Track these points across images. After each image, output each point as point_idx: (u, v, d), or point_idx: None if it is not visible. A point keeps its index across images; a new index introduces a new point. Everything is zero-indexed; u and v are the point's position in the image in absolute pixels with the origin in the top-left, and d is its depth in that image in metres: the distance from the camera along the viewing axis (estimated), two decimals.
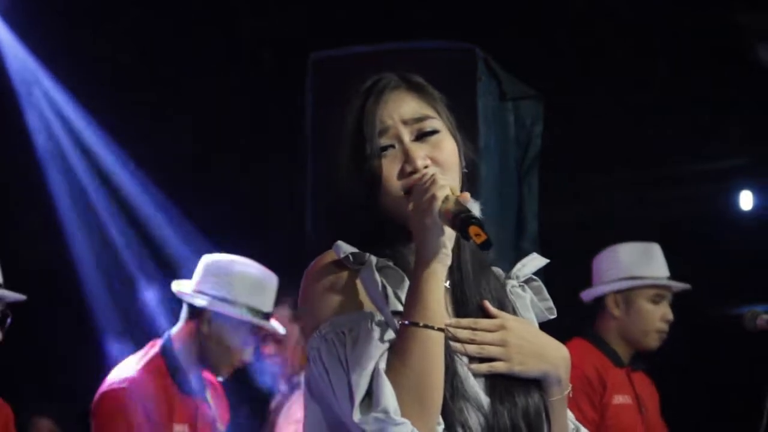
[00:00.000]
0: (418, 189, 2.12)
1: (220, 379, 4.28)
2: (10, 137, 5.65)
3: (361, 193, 2.19)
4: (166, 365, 4.17)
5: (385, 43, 4.95)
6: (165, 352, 4.18)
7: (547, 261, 2.35)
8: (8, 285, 3.88)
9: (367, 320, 2.09)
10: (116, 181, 5.77)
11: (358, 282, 2.14)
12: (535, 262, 2.38)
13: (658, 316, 4.73)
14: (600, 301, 4.79)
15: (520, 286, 2.38)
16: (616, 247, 4.80)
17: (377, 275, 2.13)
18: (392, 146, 2.20)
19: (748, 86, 6.33)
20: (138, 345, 4.48)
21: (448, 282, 2.23)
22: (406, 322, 2.07)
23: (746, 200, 7.04)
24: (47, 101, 5.58)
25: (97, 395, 4.10)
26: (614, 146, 6.51)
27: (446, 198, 2.09)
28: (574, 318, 4.78)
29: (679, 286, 4.78)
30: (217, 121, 5.81)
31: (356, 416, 2.00)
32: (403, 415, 2.01)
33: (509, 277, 2.38)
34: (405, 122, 2.22)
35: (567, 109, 5.84)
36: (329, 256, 2.17)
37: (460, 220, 2.06)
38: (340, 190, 2.22)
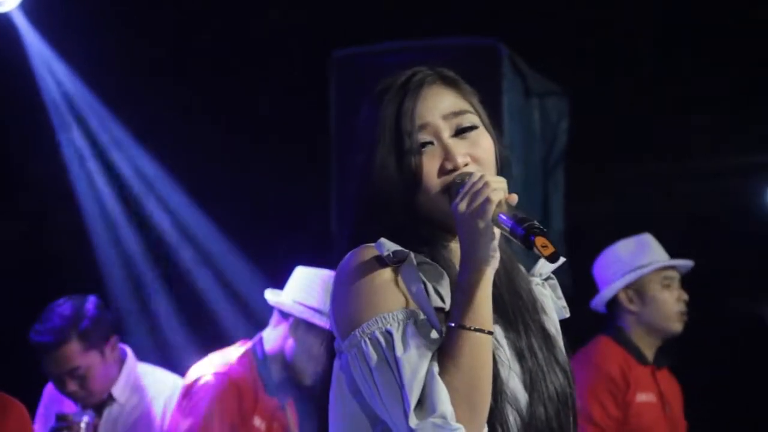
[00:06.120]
0: (469, 190, 2.08)
1: (307, 383, 4.34)
2: (36, 134, 5.67)
3: (398, 189, 2.15)
4: (255, 363, 4.27)
5: (409, 39, 4.94)
6: (255, 351, 4.29)
7: (565, 260, 2.33)
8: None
9: (412, 319, 2.05)
10: (143, 178, 5.77)
11: (399, 279, 2.10)
12: None
13: (674, 299, 4.70)
14: (613, 303, 4.75)
15: (541, 283, 2.36)
16: (610, 248, 4.77)
17: (419, 273, 2.10)
18: (431, 143, 2.16)
19: None
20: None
21: None
22: (458, 325, 2.04)
23: None
24: (69, 96, 5.60)
25: (192, 379, 4.19)
26: (642, 140, 6.47)
27: (499, 202, 2.06)
28: (598, 316, 4.77)
29: (683, 263, 4.74)
30: (239, 119, 5.80)
31: (412, 422, 1.97)
32: (455, 419, 1.99)
33: (532, 275, 2.35)
34: (444, 117, 2.18)
35: (593, 103, 5.81)
36: (366, 253, 2.11)
37: (524, 229, 2.02)
38: (375, 187, 2.16)
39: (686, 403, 4.83)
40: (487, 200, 2.05)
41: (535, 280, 2.34)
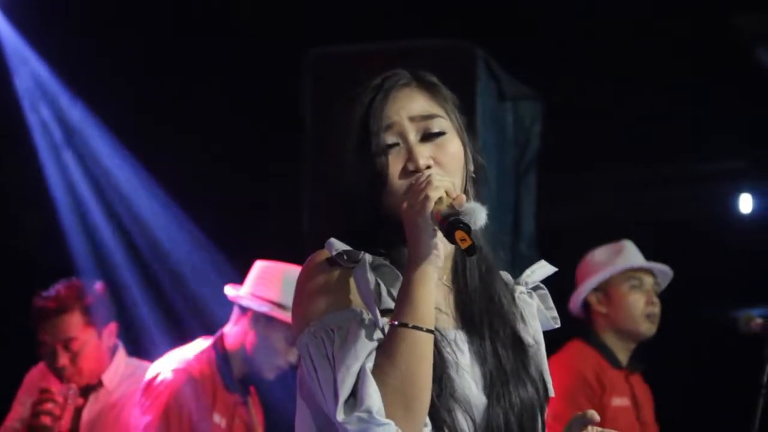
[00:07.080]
0: (413, 189, 2.11)
1: (269, 378, 4.35)
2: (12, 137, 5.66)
3: (363, 189, 2.17)
4: (215, 358, 4.32)
5: (385, 41, 4.94)
6: (216, 347, 4.34)
7: (556, 270, 2.33)
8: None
9: (356, 318, 2.07)
10: (115, 178, 5.76)
11: (352, 280, 2.13)
12: (544, 269, 2.36)
13: (642, 301, 4.72)
14: (586, 306, 4.77)
15: (527, 292, 2.35)
16: (589, 253, 4.81)
17: (370, 274, 2.11)
18: (397, 144, 2.18)
19: (749, 88, 6.31)
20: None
21: (451, 284, 2.24)
22: (395, 322, 2.06)
23: (746, 203, 7.02)
24: (44, 91, 5.59)
25: (151, 375, 4.24)
26: (614, 147, 6.50)
27: (440, 199, 2.08)
28: (572, 320, 4.78)
29: (653, 266, 4.76)
30: (213, 119, 5.80)
31: (340, 416, 2.00)
32: (388, 415, 2.00)
33: (518, 283, 2.35)
34: (412, 119, 2.20)
35: (566, 109, 5.83)
36: (323, 254, 2.15)
37: (448, 223, 2.06)
38: (343, 186, 2.20)
39: (657, 407, 4.85)
40: (426, 197, 2.08)
41: (520, 289, 2.34)
